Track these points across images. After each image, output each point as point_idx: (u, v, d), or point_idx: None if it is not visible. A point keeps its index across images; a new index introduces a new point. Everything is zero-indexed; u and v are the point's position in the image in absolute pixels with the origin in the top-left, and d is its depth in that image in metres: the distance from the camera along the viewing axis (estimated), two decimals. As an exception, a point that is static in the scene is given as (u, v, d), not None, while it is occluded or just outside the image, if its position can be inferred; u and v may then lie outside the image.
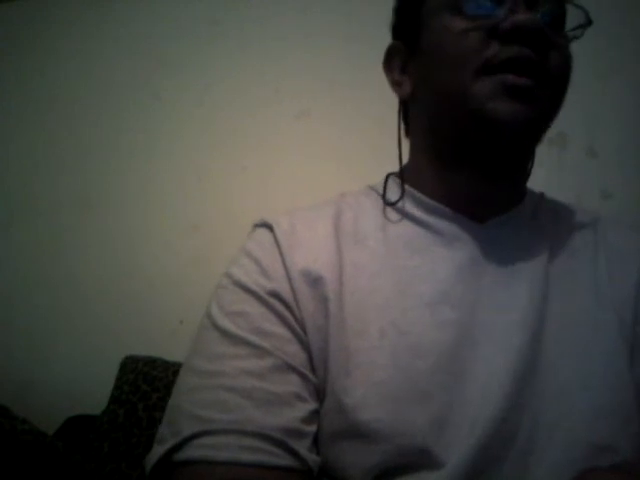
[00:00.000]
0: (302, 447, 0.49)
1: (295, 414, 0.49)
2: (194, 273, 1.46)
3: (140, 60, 1.62)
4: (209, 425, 0.47)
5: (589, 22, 0.54)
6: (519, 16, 0.50)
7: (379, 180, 0.65)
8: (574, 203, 0.65)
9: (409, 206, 0.59)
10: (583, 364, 0.52)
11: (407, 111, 0.63)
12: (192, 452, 0.47)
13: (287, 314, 0.52)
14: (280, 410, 0.49)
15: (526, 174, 0.61)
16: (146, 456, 0.50)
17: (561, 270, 0.56)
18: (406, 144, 0.64)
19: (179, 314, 1.44)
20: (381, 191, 0.62)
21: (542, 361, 0.51)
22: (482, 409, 0.49)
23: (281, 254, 0.55)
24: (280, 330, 0.52)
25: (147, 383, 1.18)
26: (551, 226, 0.60)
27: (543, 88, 0.51)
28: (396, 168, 0.63)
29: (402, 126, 0.64)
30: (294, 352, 0.51)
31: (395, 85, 0.62)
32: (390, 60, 0.62)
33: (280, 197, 1.43)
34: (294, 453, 0.48)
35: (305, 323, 0.52)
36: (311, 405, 0.51)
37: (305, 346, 0.52)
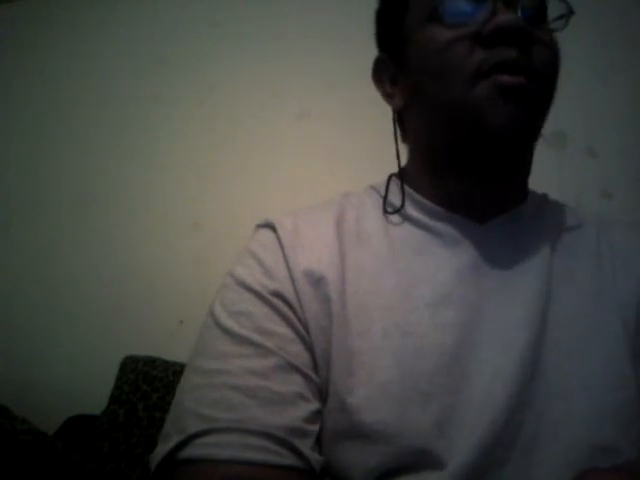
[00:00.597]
0: (305, 446, 0.49)
1: (298, 413, 0.49)
2: (194, 273, 1.47)
3: (140, 60, 1.62)
4: (213, 424, 0.47)
5: (571, 12, 0.54)
6: (499, 18, 0.50)
7: (379, 180, 0.65)
8: (576, 205, 0.65)
9: (410, 208, 0.59)
10: (585, 365, 0.52)
11: (402, 118, 0.63)
12: (196, 450, 0.47)
13: (290, 314, 0.53)
14: (283, 409, 0.49)
15: (526, 174, 0.60)
16: (150, 454, 0.50)
17: (563, 271, 0.56)
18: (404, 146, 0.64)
19: (179, 314, 1.44)
20: (382, 192, 0.62)
21: (544, 362, 0.51)
22: (484, 410, 0.49)
23: (284, 254, 0.55)
24: (283, 330, 0.52)
25: (147, 383, 1.18)
26: (553, 227, 0.60)
27: (534, 85, 0.51)
28: (395, 168, 0.63)
29: (399, 132, 0.64)
30: (297, 352, 0.52)
31: (387, 97, 0.62)
32: (379, 72, 0.62)
33: (280, 197, 1.43)
34: (297, 452, 0.48)
35: (308, 323, 0.53)
36: (314, 405, 0.51)
37: (308, 346, 0.52)
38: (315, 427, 0.51)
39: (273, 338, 0.51)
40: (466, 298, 0.53)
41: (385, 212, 0.60)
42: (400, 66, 0.59)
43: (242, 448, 0.46)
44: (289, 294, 0.53)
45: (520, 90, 0.50)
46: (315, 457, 0.49)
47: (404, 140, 0.64)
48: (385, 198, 0.61)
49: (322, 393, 0.52)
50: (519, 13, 0.51)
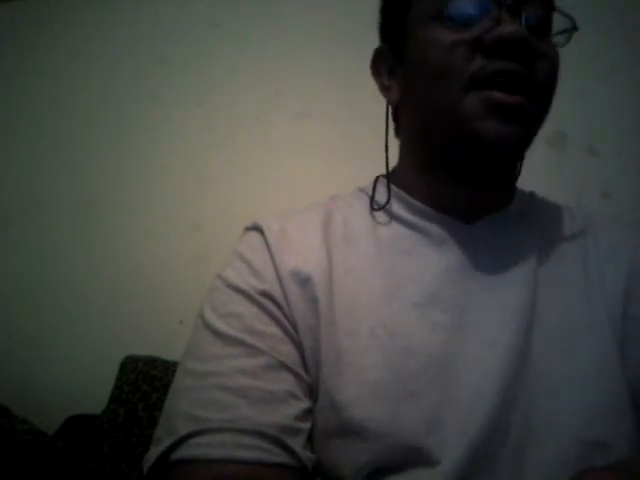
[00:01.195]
0: (297, 444, 0.49)
1: (289, 412, 0.50)
2: (194, 273, 1.47)
3: (140, 60, 1.62)
4: (205, 424, 0.48)
5: (575, 28, 0.54)
6: (503, 28, 0.50)
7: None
8: (576, 205, 0.65)
9: (397, 208, 0.59)
10: (574, 362, 0.52)
11: (397, 112, 0.63)
12: (188, 451, 0.47)
13: (279, 314, 0.53)
14: (275, 408, 0.49)
15: (515, 176, 0.61)
16: (144, 457, 0.51)
17: (551, 269, 0.57)
18: (395, 144, 0.64)
19: (179, 314, 1.44)
20: (370, 192, 0.62)
21: (533, 360, 0.52)
22: (474, 408, 0.49)
23: (271, 255, 0.56)
24: (272, 330, 0.52)
25: (147, 383, 1.18)
26: (540, 226, 0.60)
27: (532, 101, 0.51)
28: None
29: (392, 126, 0.64)
30: (287, 351, 0.52)
31: (384, 89, 0.62)
32: (377, 63, 0.62)
33: (280, 197, 1.43)
34: (289, 450, 0.48)
35: (296, 322, 0.53)
36: (305, 403, 0.52)
37: (297, 345, 0.53)
38: (306, 425, 0.51)
39: (263, 338, 0.52)
40: (453, 298, 0.54)
41: (372, 209, 0.60)
42: (399, 60, 0.59)
43: (235, 447, 0.47)
44: (277, 294, 0.54)
45: (514, 109, 0.50)
46: (307, 455, 0.50)
47: (397, 135, 0.64)
48: (372, 198, 0.61)
49: (312, 391, 0.53)
50: (523, 22, 0.51)
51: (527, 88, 0.51)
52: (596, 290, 0.55)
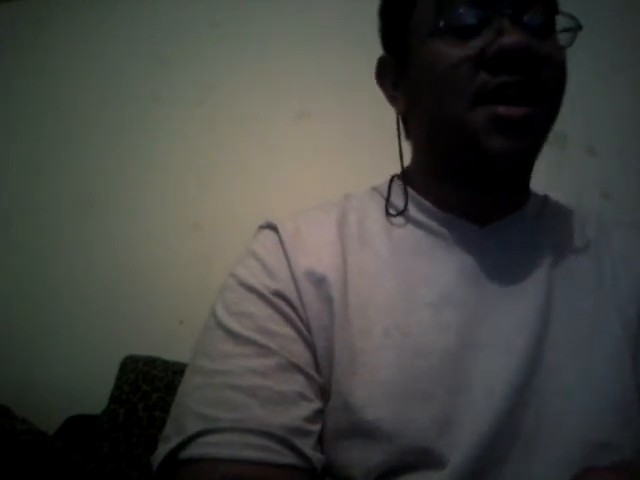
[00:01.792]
0: (306, 445, 0.49)
1: (299, 413, 0.49)
2: (194, 273, 1.46)
3: (140, 60, 1.62)
4: (213, 423, 0.48)
5: (579, 27, 0.54)
6: (504, 40, 0.49)
7: (380, 180, 0.65)
8: (577, 204, 0.65)
9: (412, 210, 0.59)
10: (585, 364, 0.52)
11: (406, 118, 0.63)
12: (196, 450, 0.47)
13: (292, 314, 0.53)
14: (285, 409, 0.49)
15: (527, 179, 0.60)
16: (152, 455, 0.50)
17: (564, 272, 0.57)
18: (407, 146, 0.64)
19: (179, 314, 1.44)
20: (384, 193, 0.62)
21: (544, 362, 0.52)
22: (484, 410, 0.49)
23: (286, 255, 0.55)
24: (285, 330, 0.52)
25: (147, 383, 1.18)
26: (554, 228, 0.60)
27: (539, 109, 0.51)
28: (396, 167, 0.63)
29: (402, 129, 0.64)
30: (299, 352, 0.52)
31: (390, 99, 0.61)
32: (382, 74, 0.62)
33: (280, 197, 1.43)
34: (298, 451, 0.48)
35: (310, 323, 0.53)
36: (315, 404, 0.51)
37: (310, 346, 0.53)
38: (316, 426, 0.51)
39: (275, 338, 0.51)
40: (467, 300, 0.54)
41: (388, 214, 0.60)
42: (402, 72, 0.58)
43: (243, 447, 0.47)
44: (291, 294, 0.53)
45: (520, 122, 0.50)
46: (316, 456, 0.50)
47: (407, 137, 0.64)
48: (387, 200, 0.61)
49: (324, 392, 0.52)
50: (526, 23, 0.50)
51: (533, 97, 0.50)
52: (610, 292, 0.56)
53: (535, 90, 0.51)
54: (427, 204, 0.59)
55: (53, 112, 1.68)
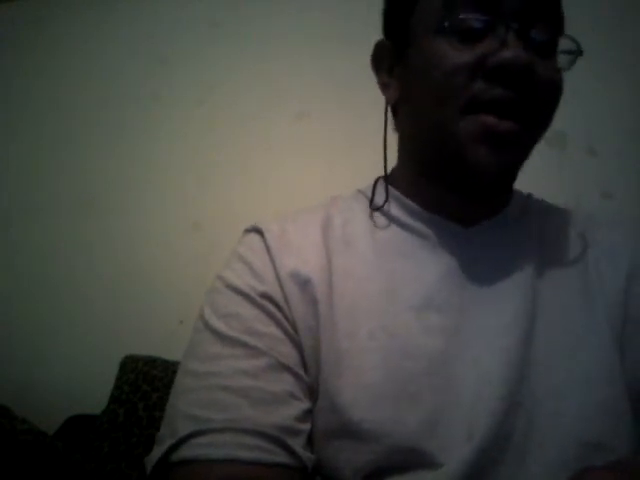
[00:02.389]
0: (297, 445, 0.49)
1: (290, 412, 0.50)
2: (194, 273, 1.46)
3: (140, 60, 1.62)
4: (205, 424, 0.48)
5: (580, 52, 0.54)
6: (505, 53, 0.49)
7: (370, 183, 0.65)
8: (573, 206, 0.65)
9: (395, 210, 0.59)
10: (574, 364, 0.52)
11: (396, 108, 0.62)
12: (190, 451, 0.47)
13: (279, 315, 0.53)
14: (275, 408, 0.49)
15: (512, 183, 0.60)
16: (145, 457, 0.51)
17: (550, 271, 0.57)
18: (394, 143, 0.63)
19: (179, 314, 1.44)
20: (369, 194, 0.62)
21: (533, 362, 0.52)
22: (477, 411, 0.49)
23: (271, 257, 0.56)
24: (272, 331, 0.53)
25: (147, 383, 1.18)
26: (538, 228, 0.60)
27: (526, 128, 0.51)
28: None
29: (391, 122, 0.63)
30: (287, 352, 0.52)
31: (382, 86, 0.61)
32: (378, 58, 0.61)
33: (280, 197, 1.43)
34: (290, 450, 0.48)
35: (296, 323, 0.53)
36: (305, 404, 0.52)
37: (297, 346, 0.53)
38: (306, 426, 0.51)
39: (263, 339, 0.52)
40: (451, 301, 0.54)
41: (372, 209, 0.60)
42: (399, 59, 0.58)
43: (236, 447, 0.47)
44: (277, 295, 0.54)
45: (508, 136, 0.50)
46: (307, 455, 0.50)
47: (396, 128, 0.63)
48: (372, 200, 0.61)
49: (312, 392, 0.53)
50: (531, 38, 0.50)
51: (523, 115, 0.50)
52: (596, 291, 0.56)
53: (527, 108, 0.50)
54: (411, 204, 0.59)
55: (53, 112, 1.68)
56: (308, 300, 0.54)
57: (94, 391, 1.27)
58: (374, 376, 0.50)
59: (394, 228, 0.59)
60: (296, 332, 0.53)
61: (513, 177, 0.55)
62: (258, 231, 0.59)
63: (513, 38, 0.50)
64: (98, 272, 1.57)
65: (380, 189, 0.62)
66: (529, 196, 0.63)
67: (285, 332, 0.53)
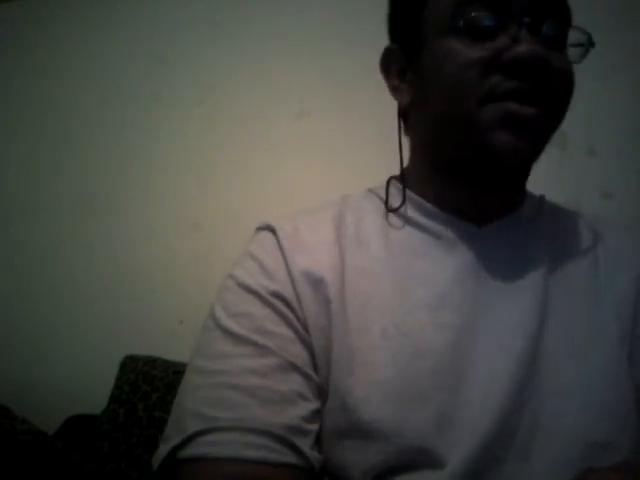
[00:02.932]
0: (305, 445, 0.49)
1: (298, 412, 0.50)
2: (194, 273, 1.46)
3: (140, 60, 1.62)
4: (213, 423, 0.48)
5: (591, 43, 0.54)
6: (520, 48, 0.50)
7: (379, 180, 0.65)
8: (573, 206, 0.65)
9: (410, 210, 0.60)
10: (582, 365, 0.52)
11: (407, 112, 0.63)
12: (197, 449, 0.47)
13: (290, 315, 0.53)
14: (283, 408, 0.49)
15: (525, 179, 0.61)
16: (153, 455, 0.51)
17: (560, 273, 0.57)
18: (406, 143, 0.63)
19: (179, 314, 1.44)
20: (381, 194, 0.62)
21: (542, 362, 0.52)
22: (483, 410, 0.49)
23: (284, 256, 0.56)
24: (283, 330, 0.52)
25: (147, 383, 1.18)
26: (550, 229, 0.60)
27: (545, 114, 0.52)
28: (396, 167, 0.63)
29: (402, 125, 0.64)
30: (297, 352, 0.52)
31: (393, 90, 0.61)
32: (387, 63, 0.62)
33: (280, 197, 1.43)
34: (297, 450, 0.48)
35: (308, 323, 0.53)
36: (313, 404, 0.51)
37: (308, 346, 0.53)
38: (315, 426, 0.51)
39: (273, 338, 0.52)
40: (463, 300, 0.54)
41: (388, 211, 0.60)
42: (411, 63, 0.58)
43: (243, 446, 0.47)
44: (289, 295, 0.53)
45: (527, 121, 0.51)
46: (315, 455, 0.50)
47: (407, 132, 0.63)
48: (387, 202, 0.61)
49: (322, 392, 0.53)
50: (542, 33, 0.51)
51: (542, 102, 0.51)
52: (606, 293, 0.56)
53: (544, 97, 0.51)
54: (425, 204, 0.59)
55: (53, 112, 1.68)
56: (321, 299, 0.54)
57: (94, 391, 1.27)
58: (386, 374, 0.50)
59: (407, 228, 0.59)
60: (307, 332, 0.53)
61: (531, 165, 0.56)
62: (271, 229, 0.59)
63: (526, 34, 0.50)
64: (98, 272, 1.57)
65: (393, 189, 0.62)
66: (541, 198, 0.64)
67: (296, 332, 0.53)
